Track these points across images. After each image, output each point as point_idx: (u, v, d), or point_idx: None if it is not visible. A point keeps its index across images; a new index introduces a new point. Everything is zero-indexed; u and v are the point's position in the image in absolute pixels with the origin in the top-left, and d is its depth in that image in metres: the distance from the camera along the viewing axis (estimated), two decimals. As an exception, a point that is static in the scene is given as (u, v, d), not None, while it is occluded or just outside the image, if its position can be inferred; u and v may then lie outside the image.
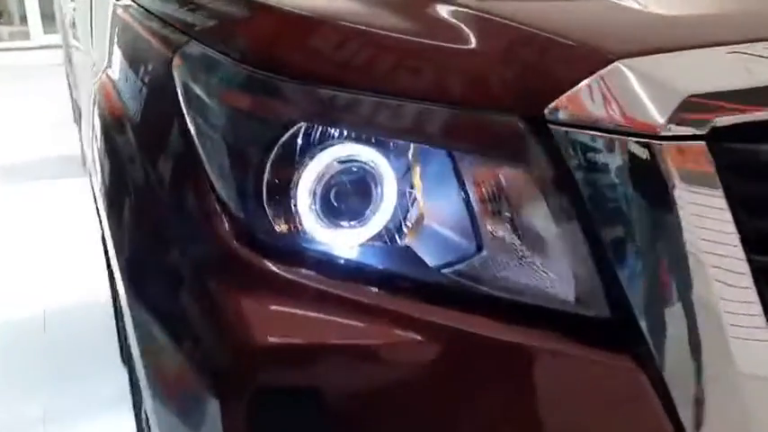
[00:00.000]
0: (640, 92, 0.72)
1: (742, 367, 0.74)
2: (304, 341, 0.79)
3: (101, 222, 1.57)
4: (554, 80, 0.74)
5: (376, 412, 0.79)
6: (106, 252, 1.91)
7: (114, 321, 2.16)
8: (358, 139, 0.81)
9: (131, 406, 1.87)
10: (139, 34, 1.14)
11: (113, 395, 2.26)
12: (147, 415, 1.36)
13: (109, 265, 1.91)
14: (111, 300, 2.11)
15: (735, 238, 0.73)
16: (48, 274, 3.13)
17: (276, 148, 0.81)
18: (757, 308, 0.74)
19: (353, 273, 0.82)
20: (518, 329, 0.79)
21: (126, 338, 1.73)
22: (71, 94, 4.34)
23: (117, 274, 1.10)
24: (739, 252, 0.73)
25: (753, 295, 0.74)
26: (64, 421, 2.22)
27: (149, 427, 1.27)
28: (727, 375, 0.75)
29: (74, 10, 2.55)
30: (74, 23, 2.64)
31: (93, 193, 1.66)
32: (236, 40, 0.88)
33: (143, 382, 1.05)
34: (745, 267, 0.73)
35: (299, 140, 0.81)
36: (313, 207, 0.82)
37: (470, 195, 0.79)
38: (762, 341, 0.74)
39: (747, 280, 0.73)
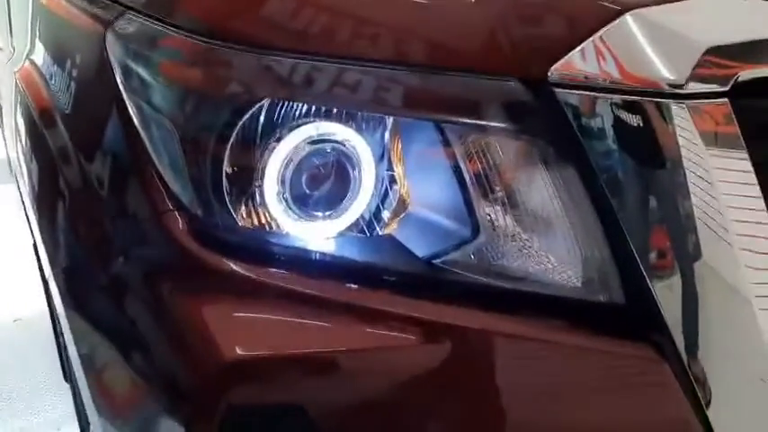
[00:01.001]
0: (654, 46, 0.64)
1: None
2: (278, 351, 0.68)
3: (32, 230, 1.42)
4: (557, 38, 0.66)
5: (369, 426, 0.69)
6: (39, 262, 1.75)
7: (54, 337, 1.99)
8: (330, 116, 0.71)
9: (78, 427, 1.73)
10: (65, 11, 1.01)
11: (58, 417, 2.10)
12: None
13: (44, 277, 1.76)
14: (48, 314, 1.95)
15: (761, 203, 0.65)
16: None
17: (236, 130, 0.70)
18: None
19: (331, 269, 0.72)
20: (522, 322, 0.70)
21: (68, 355, 1.58)
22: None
23: (53, 288, 0.97)
24: (765, 217, 0.66)
25: None
26: (5, 448, 2.05)
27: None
28: (756, 353, 0.67)
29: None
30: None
31: (21, 198, 1.50)
32: (183, 7, 0.76)
33: (90, 409, 0.93)
34: None
35: (263, 120, 0.70)
36: (282, 196, 0.71)
37: (463, 173, 0.69)
38: None
39: None
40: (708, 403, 0.69)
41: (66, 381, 1.97)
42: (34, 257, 1.81)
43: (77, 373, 1.00)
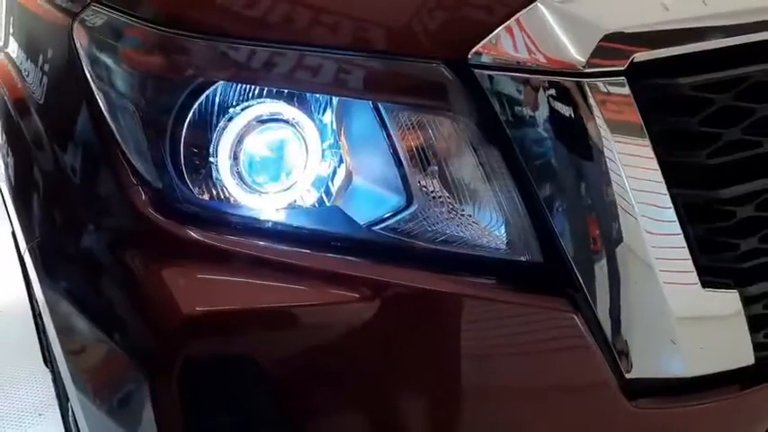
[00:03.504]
0: (561, 31, 0.71)
1: (675, 310, 0.76)
2: (233, 307, 0.76)
3: (9, 217, 1.48)
4: (476, 23, 0.73)
5: (315, 374, 0.76)
6: (18, 250, 1.81)
7: (33, 321, 2.05)
8: (278, 97, 0.78)
9: (58, 411, 1.79)
10: (35, 5, 1.07)
11: (39, 403, 2.15)
12: (74, 415, 1.29)
13: (23, 263, 1.81)
14: (27, 300, 2.00)
15: (663, 187, 0.73)
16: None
17: (192, 112, 0.77)
18: (685, 252, 0.75)
19: (280, 235, 0.79)
20: (454, 279, 0.78)
21: (47, 339, 1.64)
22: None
23: (29, 264, 1.04)
24: (663, 187, 0.74)
25: (683, 247, 0.75)
26: (-15, 434, 2.10)
27: (78, 429, 1.20)
28: (660, 316, 0.76)
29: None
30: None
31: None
32: (143, -1, 0.83)
33: (66, 376, 0.99)
34: (669, 205, 0.74)
35: (217, 101, 0.78)
36: (235, 170, 0.78)
37: (398, 148, 0.77)
38: (691, 284, 0.76)
39: (675, 226, 0.75)
40: (632, 365, 0.77)
41: (46, 365, 2.02)
42: (13, 244, 1.87)
43: (55, 350, 1.06)
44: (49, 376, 2.02)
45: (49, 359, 1.87)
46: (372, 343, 0.77)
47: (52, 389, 1.92)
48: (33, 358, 2.23)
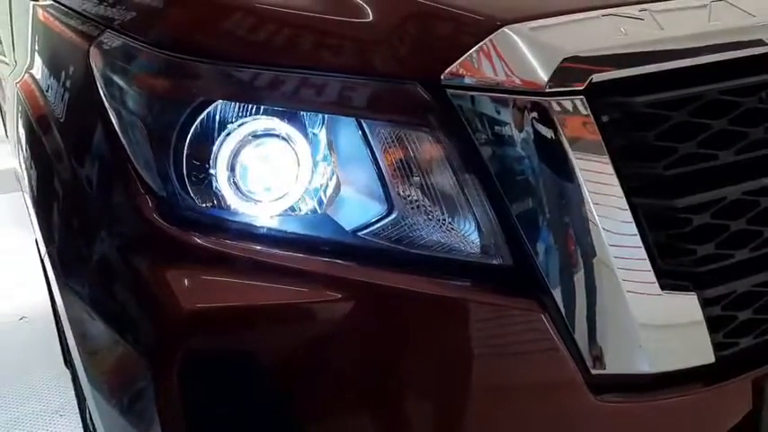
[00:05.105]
0: (526, 54, 0.78)
1: (638, 317, 0.82)
2: (230, 305, 0.83)
3: (33, 227, 1.57)
4: (449, 47, 0.80)
5: (304, 367, 0.83)
6: (41, 257, 1.90)
7: (55, 325, 2.14)
8: (272, 114, 0.86)
9: (78, 412, 1.86)
10: (58, 30, 1.16)
11: (60, 405, 2.24)
12: (91, 414, 1.37)
13: (45, 271, 1.91)
14: (48, 305, 2.09)
15: (623, 202, 0.80)
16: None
17: (194, 128, 0.85)
18: (647, 265, 0.82)
19: (274, 240, 0.87)
20: (432, 281, 0.84)
21: (66, 340, 1.73)
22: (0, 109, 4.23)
23: (48, 266, 1.12)
24: (623, 201, 0.80)
25: (642, 253, 0.81)
26: (9, 435, 2.19)
27: (95, 429, 1.28)
28: (625, 323, 0.82)
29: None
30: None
31: (24, 198, 1.66)
32: (153, 26, 0.91)
33: (82, 375, 1.07)
34: (630, 217, 0.80)
35: (216, 118, 0.85)
36: (232, 181, 0.86)
37: (380, 161, 0.84)
38: (653, 295, 0.83)
39: (635, 237, 0.81)
40: (599, 366, 0.83)
41: (67, 366, 2.11)
42: (37, 253, 1.97)
43: (73, 351, 1.14)
44: (67, 378, 2.10)
45: (68, 360, 1.96)
46: (357, 339, 0.83)
47: (71, 390, 2.00)
48: (54, 360, 2.32)
